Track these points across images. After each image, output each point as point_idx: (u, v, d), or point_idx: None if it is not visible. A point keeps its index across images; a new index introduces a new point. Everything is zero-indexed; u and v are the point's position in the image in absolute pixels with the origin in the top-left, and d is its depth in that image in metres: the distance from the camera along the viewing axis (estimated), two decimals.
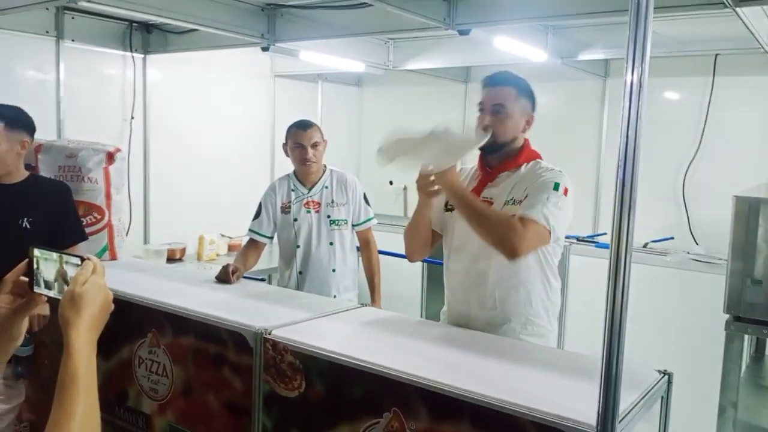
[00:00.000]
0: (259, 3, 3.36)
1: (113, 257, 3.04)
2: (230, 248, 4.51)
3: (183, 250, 4.27)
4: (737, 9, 2.19)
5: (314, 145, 2.97)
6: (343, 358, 1.69)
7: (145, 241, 4.29)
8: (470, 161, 2.32)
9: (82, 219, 2.86)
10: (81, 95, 3.87)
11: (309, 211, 3.02)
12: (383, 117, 5.86)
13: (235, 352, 1.95)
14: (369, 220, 3.14)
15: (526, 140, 2.19)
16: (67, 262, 1.09)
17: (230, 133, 4.77)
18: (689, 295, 3.52)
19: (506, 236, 1.90)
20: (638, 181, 1.28)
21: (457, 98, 5.35)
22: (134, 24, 4.01)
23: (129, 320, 2.24)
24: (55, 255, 1.10)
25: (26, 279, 1.12)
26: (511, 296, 2.10)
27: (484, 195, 2.14)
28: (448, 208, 2.23)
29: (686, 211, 4.25)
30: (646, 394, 1.57)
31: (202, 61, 4.39)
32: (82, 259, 1.08)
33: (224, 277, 2.59)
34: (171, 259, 4.13)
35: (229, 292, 2.47)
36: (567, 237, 4.21)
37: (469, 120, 5.47)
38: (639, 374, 1.66)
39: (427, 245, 2.30)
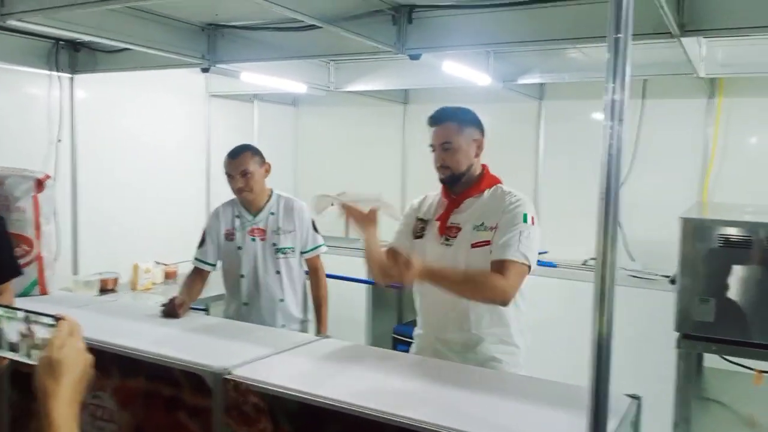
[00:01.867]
0: (199, 23, 3.24)
1: (43, 292, 2.84)
2: (167, 276, 4.32)
3: (116, 280, 4.05)
4: (681, 39, 2.29)
5: (243, 174, 2.83)
6: (314, 398, 1.61)
7: (75, 271, 4.05)
8: (434, 189, 2.37)
9: None
10: (4, 117, 3.63)
11: (254, 239, 2.89)
12: (320, 136, 5.81)
13: (191, 394, 1.83)
14: (317, 247, 3.04)
15: (484, 167, 2.29)
16: (35, 322, 0.98)
17: (163, 156, 4.59)
18: (631, 312, 3.61)
19: (493, 293, 2.01)
20: (618, 206, 1.28)
21: (395, 119, 5.37)
22: (60, 42, 3.80)
23: None
24: (20, 314, 0.99)
25: None
26: (485, 317, 2.16)
27: (451, 221, 2.22)
28: (417, 235, 2.29)
29: (621, 229, 4.39)
30: (623, 422, 1.57)
31: (134, 80, 4.21)
32: (56, 319, 0.97)
33: (171, 311, 2.46)
34: (103, 290, 3.91)
35: (178, 328, 2.33)
36: None
37: (408, 140, 5.50)
38: (612, 400, 1.66)
39: (387, 266, 2.26)
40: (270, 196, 2.96)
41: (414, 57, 2.85)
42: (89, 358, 0.98)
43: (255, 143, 5.36)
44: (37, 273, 2.80)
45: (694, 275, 2.38)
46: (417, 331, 2.35)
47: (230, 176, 2.86)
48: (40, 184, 2.84)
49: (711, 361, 2.83)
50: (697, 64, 3.27)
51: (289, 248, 2.92)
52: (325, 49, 3.16)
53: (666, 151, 4.36)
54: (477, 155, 2.24)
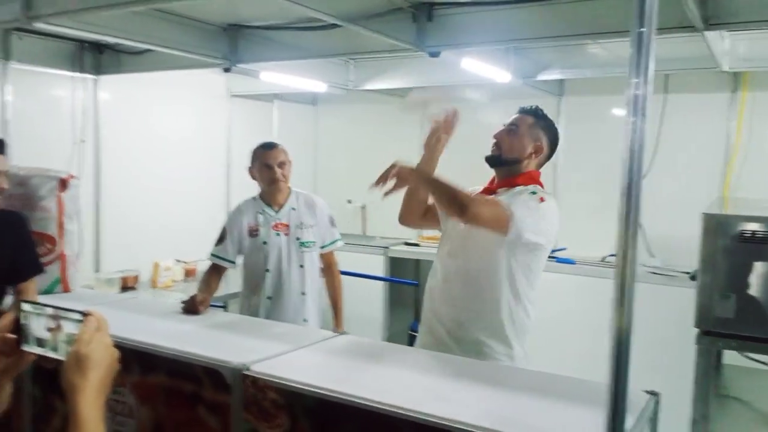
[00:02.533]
0: (221, 23, 3.27)
1: (66, 289, 2.88)
2: (187, 274, 4.37)
3: (136, 278, 4.10)
4: (705, 32, 2.26)
5: (281, 165, 2.94)
6: (333, 394, 1.62)
7: (96, 269, 4.10)
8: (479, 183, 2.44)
9: None
10: (29, 118, 3.69)
11: (278, 234, 2.95)
12: (339, 135, 5.83)
13: (211, 390, 1.84)
14: (335, 242, 3.12)
15: (532, 171, 2.30)
16: (63, 318, 1.00)
17: (185, 155, 4.64)
18: (651, 308, 3.58)
19: (461, 202, 2.06)
20: (640, 204, 1.27)
21: (413, 117, 5.36)
22: (85, 44, 3.86)
23: None
24: (48, 310, 1.00)
25: (13, 336, 1.02)
26: (481, 315, 2.21)
27: None
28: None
29: (642, 225, 4.35)
30: (640, 418, 1.56)
31: (155, 81, 4.25)
32: (84, 315, 0.99)
33: (192, 308, 2.48)
34: (124, 288, 3.97)
35: (198, 324, 2.35)
36: None
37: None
38: (630, 396, 1.65)
39: (419, 214, 2.47)
40: (289, 193, 3.02)
41: (434, 54, 2.85)
42: (116, 353, 1.00)
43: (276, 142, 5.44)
44: (60, 271, 2.83)
45: (715, 271, 2.35)
46: (421, 326, 2.42)
47: (268, 167, 2.92)
48: (64, 184, 2.88)
49: (731, 358, 2.80)
50: (721, 59, 3.23)
51: (311, 242, 3.00)
52: (344, 47, 3.17)
53: (688, 146, 4.31)
54: (530, 156, 2.28)
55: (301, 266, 2.96)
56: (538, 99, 4.62)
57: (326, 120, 5.91)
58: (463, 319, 2.23)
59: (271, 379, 1.72)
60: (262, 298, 2.94)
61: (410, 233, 4.97)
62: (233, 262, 2.97)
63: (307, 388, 1.66)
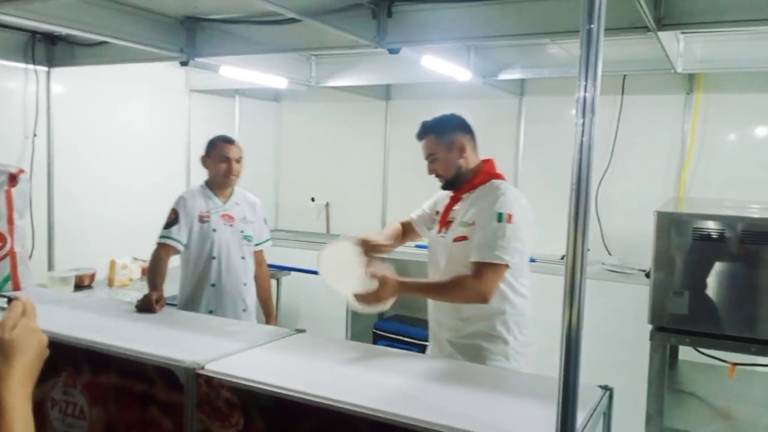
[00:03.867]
0: (178, 16, 3.21)
1: (16, 287, 2.79)
2: (144, 272, 4.27)
3: (92, 276, 4.00)
4: (658, 33, 2.30)
5: (238, 160, 3.04)
6: (288, 393, 1.60)
7: (50, 267, 3.99)
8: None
9: None
10: None
11: (226, 224, 3.02)
12: (302, 132, 5.79)
13: (164, 389, 1.81)
14: (267, 241, 3.26)
15: (486, 163, 2.40)
16: None
17: (142, 151, 4.54)
18: (608, 305, 3.64)
19: (469, 295, 2.15)
20: (590, 201, 1.27)
21: (377, 115, 5.35)
22: (37, 35, 3.73)
23: None
24: None
25: None
26: (466, 307, 2.26)
27: (450, 215, 2.37)
28: (429, 227, 2.50)
29: (599, 224, 4.42)
30: (593, 412, 1.58)
31: (112, 74, 4.16)
32: (9, 300, 0.95)
33: (147, 307, 2.43)
34: (79, 287, 3.86)
35: (151, 323, 2.31)
36: None
37: (389, 137, 5.49)
38: (583, 390, 1.67)
39: (396, 238, 2.58)
40: (233, 189, 3.12)
41: (393, 51, 2.84)
42: (44, 339, 0.96)
43: (236, 138, 5.36)
44: (10, 268, 2.75)
45: (669, 269, 2.39)
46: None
47: (226, 159, 2.99)
48: (13, 179, 2.79)
49: (686, 354, 2.86)
50: (675, 60, 3.29)
51: (252, 237, 3.11)
52: (304, 43, 3.14)
53: (644, 146, 4.39)
54: (462, 156, 2.34)
55: (243, 258, 3.05)
56: (499, 99, 4.70)
57: (289, 117, 5.86)
58: (460, 326, 2.29)
59: (225, 378, 1.70)
60: (206, 285, 2.98)
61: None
62: (185, 245, 2.96)
63: (261, 386, 1.65)
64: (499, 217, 2.15)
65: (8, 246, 2.75)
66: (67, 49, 3.84)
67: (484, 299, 2.14)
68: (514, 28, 2.73)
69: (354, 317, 4.84)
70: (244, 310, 3.05)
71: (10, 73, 3.75)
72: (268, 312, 3.27)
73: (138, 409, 1.86)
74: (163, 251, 2.92)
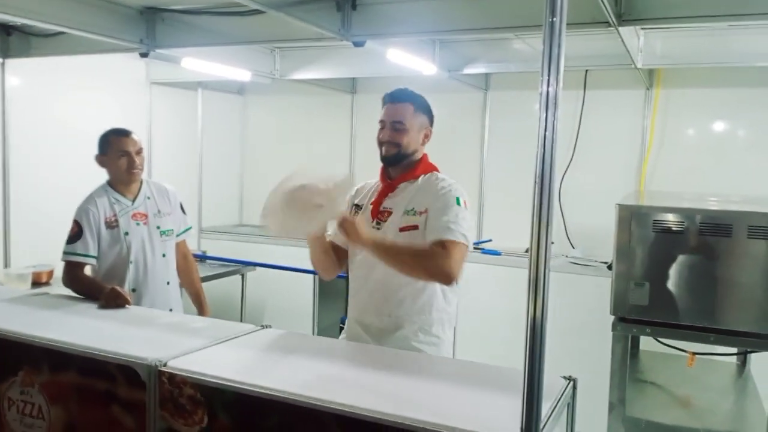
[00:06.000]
0: (137, 6, 3.14)
1: None
2: None
3: (50, 273, 3.89)
4: (619, 28, 2.33)
5: (138, 152, 2.80)
6: (252, 389, 1.58)
7: (6, 264, 3.88)
8: (374, 177, 2.37)
9: None
10: None
11: (138, 224, 2.81)
12: (267, 126, 5.74)
13: (125, 387, 1.77)
14: (188, 229, 3.07)
15: (424, 154, 2.30)
16: None
17: (97, 144, 4.42)
18: (572, 297, 3.70)
19: (437, 267, 2.00)
20: (554, 195, 1.28)
21: (343, 108, 5.33)
22: None
23: None
24: None
25: None
26: (405, 303, 2.16)
27: (384, 205, 2.23)
28: None
29: (563, 217, 4.49)
30: (557, 402, 1.60)
31: (70, 66, 4.05)
32: None
33: (117, 300, 2.38)
34: (36, 284, 3.76)
35: (111, 320, 2.26)
36: None
37: (356, 131, 5.49)
38: (547, 381, 1.69)
39: (335, 264, 2.34)
40: (141, 182, 2.90)
41: (358, 44, 2.83)
42: None
43: (200, 132, 5.30)
44: None
45: (630, 260, 2.44)
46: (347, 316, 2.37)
47: (125, 154, 2.76)
48: None
49: (647, 344, 2.92)
50: (635, 55, 3.35)
51: (170, 230, 2.92)
52: (268, 35, 3.10)
53: (606, 141, 4.47)
54: (423, 143, 2.27)
55: (164, 255, 2.88)
56: (465, 93, 4.73)
57: (253, 110, 5.79)
58: (393, 327, 2.18)
59: (188, 374, 1.67)
60: (125, 290, 2.75)
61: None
62: (95, 257, 2.76)
63: (225, 382, 1.62)
64: (458, 201, 2.12)
65: None
66: (23, 40, 3.73)
67: (450, 278, 2.01)
68: (479, 22, 2.75)
69: (321, 313, 4.82)
70: (171, 310, 2.87)
71: None
72: (200, 303, 3.10)
73: (99, 407, 1.81)
74: (74, 268, 2.72)
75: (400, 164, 2.23)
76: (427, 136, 2.27)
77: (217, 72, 4.08)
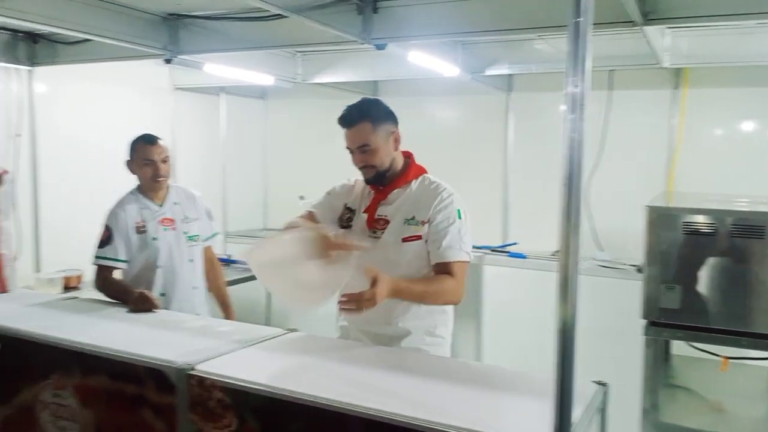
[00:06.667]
0: (161, 12, 3.17)
1: (3, 290, 2.75)
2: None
3: (79, 278, 3.94)
4: (644, 27, 2.30)
5: (164, 160, 2.84)
6: (280, 392, 1.58)
7: (37, 269, 3.94)
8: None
9: None
10: None
11: (166, 229, 2.85)
12: (289, 130, 5.76)
13: (155, 391, 1.78)
14: (214, 235, 3.10)
15: (409, 156, 2.28)
16: None
17: (126, 151, 4.48)
18: (601, 301, 3.65)
19: (452, 297, 2.14)
20: (582, 196, 1.26)
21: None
22: (19, 33, 3.68)
23: (28, 361, 2.02)
24: None
25: None
26: (411, 310, 2.19)
27: (379, 213, 2.22)
28: (343, 225, 2.28)
29: (590, 219, 4.43)
30: (588, 408, 1.57)
31: (96, 73, 4.10)
32: None
33: (146, 304, 2.41)
34: (67, 288, 3.80)
35: (142, 324, 2.28)
36: (479, 248, 4.31)
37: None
38: (578, 386, 1.66)
39: None
40: (169, 187, 2.94)
41: (379, 47, 2.83)
42: None
43: (223, 137, 5.34)
44: None
45: (660, 263, 2.40)
46: (341, 323, 2.36)
47: (151, 162, 2.80)
48: None
49: (678, 348, 2.87)
50: (662, 55, 3.30)
51: (197, 236, 2.95)
52: (290, 39, 3.12)
53: (633, 141, 4.40)
54: (396, 148, 2.23)
55: (191, 260, 2.91)
56: (487, 95, 4.69)
57: (275, 115, 5.82)
58: (401, 334, 2.20)
59: (217, 378, 1.68)
60: (153, 295, 2.74)
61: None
62: (126, 262, 2.80)
63: (253, 386, 1.63)
64: (459, 214, 2.14)
65: None
66: (49, 48, 3.79)
67: (459, 299, 2.15)
68: (502, 23, 2.73)
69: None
70: (198, 315, 2.86)
71: None
72: (226, 307, 3.13)
73: (130, 410, 1.83)
74: (104, 272, 2.77)
75: (384, 177, 2.21)
76: (397, 140, 2.22)
77: (240, 77, 4.10)
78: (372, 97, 2.28)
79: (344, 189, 2.35)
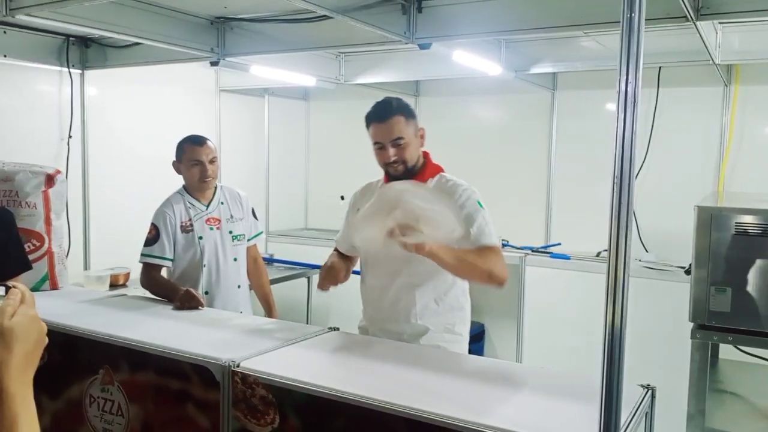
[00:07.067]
0: (208, 16, 3.23)
1: (54, 286, 2.84)
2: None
3: (127, 275, 4.04)
4: (697, 23, 2.24)
5: (212, 161, 2.88)
6: (323, 390, 1.59)
7: (86, 266, 4.06)
8: (376, 176, 2.37)
9: None
10: (14, 114, 3.64)
11: (212, 228, 2.90)
12: (331, 131, 5.79)
13: (200, 387, 1.82)
14: (259, 234, 3.16)
15: (426, 155, 2.28)
16: None
17: (173, 151, 4.58)
18: (646, 303, 3.57)
19: (498, 272, 2.05)
20: (633, 196, 1.24)
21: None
22: (71, 38, 3.80)
23: (77, 356, 2.08)
24: None
25: None
26: (429, 307, 2.21)
27: None
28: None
29: (636, 220, 4.34)
30: (635, 412, 1.54)
31: (144, 76, 4.20)
32: (7, 288, 0.95)
33: (191, 302, 2.46)
34: (114, 285, 3.91)
35: (186, 321, 2.33)
36: (521, 248, 4.27)
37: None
38: (625, 390, 1.63)
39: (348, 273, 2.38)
40: (216, 187, 2.99)
41: (424, 46, 2.81)
42: (43, 327, 0.95)
43: (266, 137, 5.41)
44: (48, 268, 2.79)
45: (709, 265, 2.33)
46: (360, 323, 2.38)
47: (199, 163, 2.85)
48: (50, 180, 2.84)
49: (727, 352, 2.78)
50: (713, 51, 3.21)
51: (242, 235, 2.99)
52: (334, 40, 3.13)
53: (681, 140, 4.29)
54: (422, 145, 2.25)
55: (235, 259, 2.95)
56: (531, 93, 4.64)
57: (318, 115, 5.87)
58: (421, 332, 2.20)
59: (260, 375, 1.70)
60: (198, 293, 2.81)
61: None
62: (172, 260, 2.86)
63: (296, 384, 1.64)
64: (480, 204, 2.14)
65: (46, 246, 2.80)
66: (100, 52, 3.90)
67: (505, 277, 2.06)
68: (547, 21, 2.68)
69: None
70: (241, 313, 2.93)
71: (45, 76, 3.83)
72: (268, 305, 3.17)
73: (175, 406, 1.87)
74: (151, 270, 2.82)
75: (408, 176, 2.21)
76: (422, 137, 2.24)
77: (284, 78, 4.15)
78: (393, 97, 2.26)
79: (358, 196, 2.38)
